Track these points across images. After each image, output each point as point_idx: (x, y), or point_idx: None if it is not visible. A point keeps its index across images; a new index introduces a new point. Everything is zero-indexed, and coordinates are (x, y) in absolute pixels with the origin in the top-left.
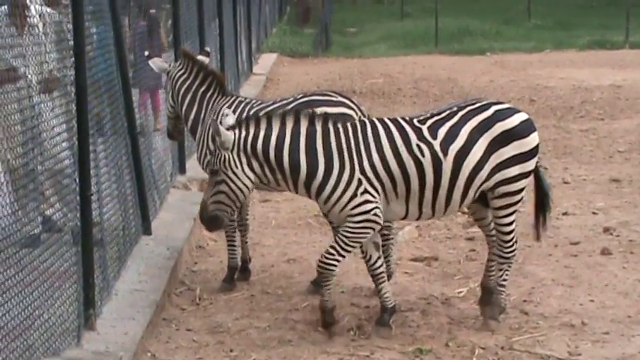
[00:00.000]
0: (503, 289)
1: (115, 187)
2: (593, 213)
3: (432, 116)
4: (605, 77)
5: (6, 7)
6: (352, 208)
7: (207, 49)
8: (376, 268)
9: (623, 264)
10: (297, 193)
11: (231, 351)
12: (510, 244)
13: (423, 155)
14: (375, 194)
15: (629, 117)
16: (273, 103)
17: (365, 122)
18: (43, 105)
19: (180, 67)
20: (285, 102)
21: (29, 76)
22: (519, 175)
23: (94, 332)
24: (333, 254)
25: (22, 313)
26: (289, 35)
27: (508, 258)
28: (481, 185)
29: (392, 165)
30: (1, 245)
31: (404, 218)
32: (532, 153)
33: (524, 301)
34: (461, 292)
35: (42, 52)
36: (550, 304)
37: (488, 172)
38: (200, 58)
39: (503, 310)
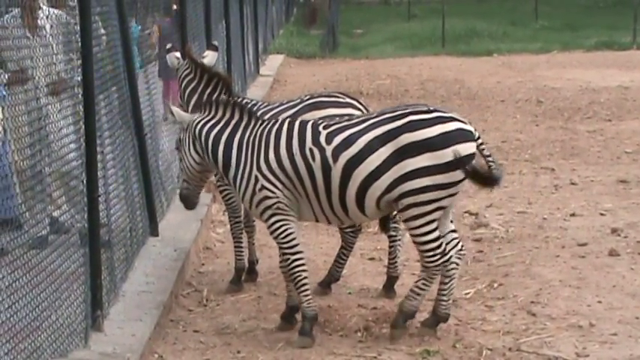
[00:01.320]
0: (415, 295)
1: (123, 188)
2: (601, 214)
3: (341, 122)
4: (613, 78)
5: (18, 9)
6: (256, 205)
7: (216, 43)
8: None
9: (630, 265)
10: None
11: (239, 352)
12: (430, 254)
13: (314, 159)
14: (275, 190)
15: (637, 118)
16: (279, 105)
17: (277, 121)
18: (50, 107)
19: (187, 67)
20: (291, 104)
21: (37, 78)
22: (430, 186)
23: (101, 333)
24: (286, 258)
25: (30, 314)
26: (296, 36)
27: (428, 267)
28: (382, 196)
29: (286, 165)
30: (9, 247)
31: (317, 221)
32: (449, 166)
33: (532, 302)
34: (468, 293)
35: (50, 54)
36: (557, 306)
37: (388, 183)
38: (208, 52)
39: (410, 316)
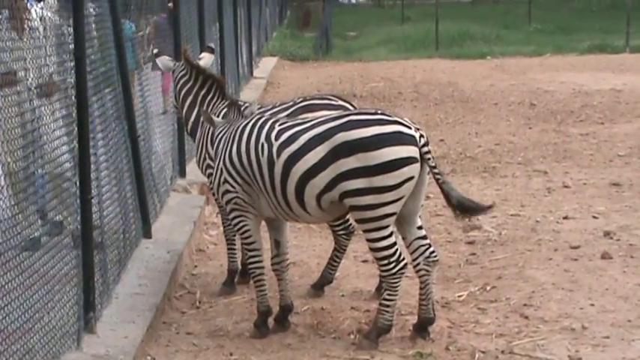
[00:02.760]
0: (384, 308)
1: (116, 190)
2: (594, 217)
3: (297, 121)
4: (606, 81)
5: (7, 11)
6: (221, 196)
7: (212, 45)
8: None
9: (623, 268)
10: None
11: (231, 354)
12: (384, 262)
13: (263, 155)
14: (235, 184)
15: (630, 121)
16: (272, 108)
17: (251, 119)
18: (43, 108)
19: (182, 68)
20: (284, 106)
21: (29, 80)
22: (365, 189)
23: (94, 335)
24: (245, 252)
25: (22, 316)
26: (290, 39)
27: (385, 277)
28: (322, 194)
29: (243, 160)
30: (0, 248)
31: (276, 216)
32: (382, 168)
33: (525, 305)
34: (461, 295)
35: (42, 56)
36: (550, 308)
37: (327, 181)
38: (204, 54)
39: (385, 331)
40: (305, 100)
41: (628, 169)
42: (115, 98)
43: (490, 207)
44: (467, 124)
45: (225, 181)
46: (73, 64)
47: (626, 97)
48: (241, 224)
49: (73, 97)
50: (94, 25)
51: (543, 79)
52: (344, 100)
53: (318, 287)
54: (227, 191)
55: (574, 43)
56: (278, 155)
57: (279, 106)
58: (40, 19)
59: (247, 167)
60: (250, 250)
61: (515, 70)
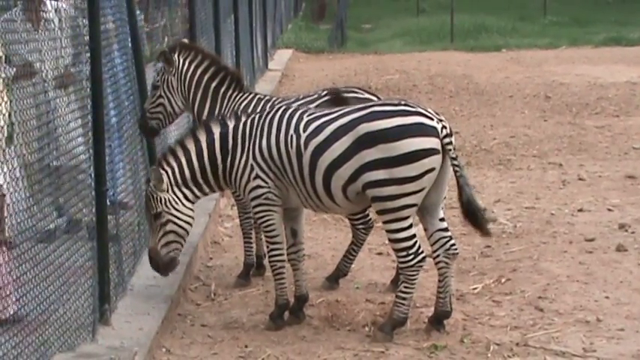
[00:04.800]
0: (400, 301)
1: (130, 182)
2: (609, 209)
3: (324, 111)
4: (621, 74)
5: (21, 3)
6: (249, 192)
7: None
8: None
9: (638, 261)
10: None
11: (246, 346)
12: (402, 253)
13: (291, 146)
14: (267, 179)
15: None
16: (295, 100)
17: (272, 111)
18: (58, 100)
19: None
20: (309, 99)
21: (45, 72)
22: (387, 180)
23: (109, 327)
24: (267, 246)
25: (38, 308)
26: (305, 31)
27: (403, 269)
28: (348, 185)
29: (273, 153)
30: (16, 240)
31: (306, 207)
32: (403, 159)
33: (539, 297)
34: (476, 288)
35: (57, 47)
36: (565, 301)
37: (351, 172)
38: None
39: (400, 324)
40: (330, 92)
41: None
42: (130, 90)
43: (489, 234)
44: (482, 116)
45: (257, 176)
46: (88, 55)
47: None
48: (266, 218)
49: (89, 89)
50: (110, 17)
51: (559, 72)
52: (370, 93)
53: (333, 280)
54: (258, 186)
55: (589, 35)
56: (306, 146)
57: (302, 98)
58: (55, 11)
59: (277, 160)
60: (272, 244)
61: (530, 62)
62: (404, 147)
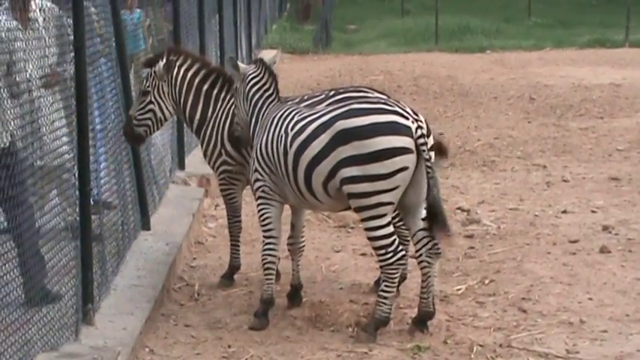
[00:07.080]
0: (382, 300)
1: (114, 182)
2: (592, 211)
3: (310, 110)
4: (605, 76)
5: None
6: (253, 184)
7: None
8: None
9: (621, 262)
10: None
11: (230, 347)
12: (381, 252)
13: (280, 144)
14: (263, 173)
15: (629, 115)
16: (300, 101)
17: (274, 110)
18: (43, 99)
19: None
20: (316, 99)
21: (29, 71)
22: (360, 177)
23: (92, 327)
24: (263, 240)
25: (21, 307)
26: (289, 31)
27: (383, 267)
28: (327, 181)
29: (267, 150)
30: None
31: (298, 205)
32: (374, 156)
33: (523, 298)
34: (459, 289)
35: (42, 47)
36: (548, 302)
37: (329, 169)
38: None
39: (383, 324)
40: (338, 92)
41: (627, 163)
42: (114, 89)
43: (450, 236)
44: (466, 117)
45: (256, 170)
46: (72, 54)
47: (626, 92)
48: (264, 211)
49: (73, 89)
50: (94, 17)
51: (543, 73)
52: (379, 92)
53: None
54: (256, 179)
55: (574, 37)
56: (290, 145)
57: (307, 99)
58: (40, 10)
59: (272, 157)
60: (267, 237)
61: (514, 64)
62: (375, 144)
